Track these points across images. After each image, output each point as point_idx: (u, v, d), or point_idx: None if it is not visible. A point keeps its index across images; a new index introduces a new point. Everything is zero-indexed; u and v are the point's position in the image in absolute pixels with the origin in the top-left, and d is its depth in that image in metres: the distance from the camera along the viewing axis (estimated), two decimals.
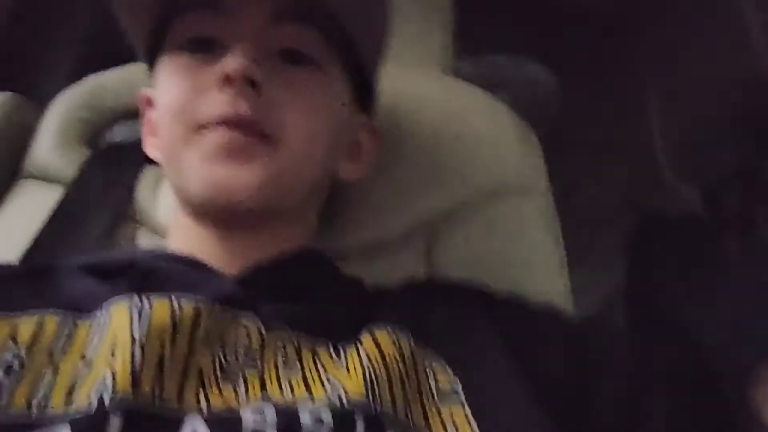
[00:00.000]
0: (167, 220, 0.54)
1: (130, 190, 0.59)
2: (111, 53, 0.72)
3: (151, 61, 0.48)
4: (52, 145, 0.63)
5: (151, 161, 0.61)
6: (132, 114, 0.65)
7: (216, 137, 0.42)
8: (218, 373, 0.35)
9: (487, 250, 0.56)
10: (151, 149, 0.51)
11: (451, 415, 0.37)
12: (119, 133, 0.66)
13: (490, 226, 0.57)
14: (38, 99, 0.67)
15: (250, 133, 0.42)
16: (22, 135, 0.65)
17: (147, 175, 0.60)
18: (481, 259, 0.56)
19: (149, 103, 0.51)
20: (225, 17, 0.44)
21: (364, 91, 0.52)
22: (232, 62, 0.41)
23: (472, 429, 0.36)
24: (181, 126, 0.43)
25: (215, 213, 0.44)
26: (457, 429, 0.36)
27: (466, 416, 0.36)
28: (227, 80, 0.41)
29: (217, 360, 0.36)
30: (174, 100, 0.44)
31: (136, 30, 0.48)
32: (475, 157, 0.59)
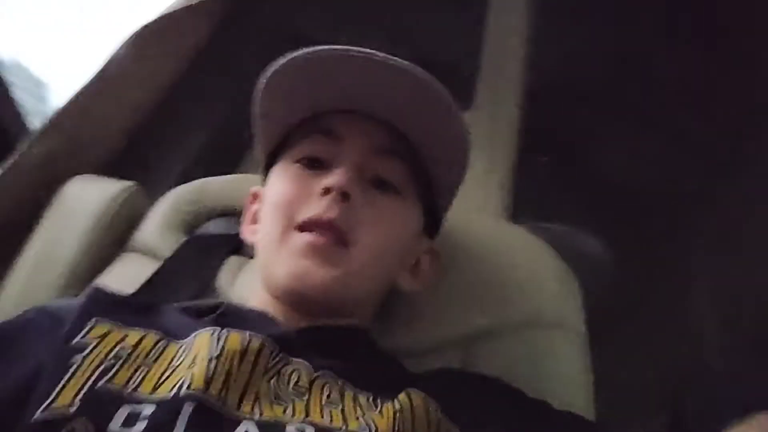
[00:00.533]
0: (241, 300, 0.62)
1: (214, 271, 0.68)
2: (217, 163, 0.86)
3: (268, 165, 0.60)
4: (158, 227, 0.75)
5: (234, 252, 0.72)
6: (226, 213, 0.77)
7: (307, 237, 0.51)
8: (271, 397, 0.43)
9: (517, 373, 0.59)
10: (248, 234, 0.62)
11: None
12: (213, 227, 0.77)
13: (522, 350, 0.62)
14: (155, 190, 0.79)
15: (332, 236, 0.51)
16: (134, 217, 0.77)
17: (229, 263, 0.70)
18: (510, 380, 0.61)
19: (255, 197, 0.62)
20: (335, 144, 0.55)
21: (432, 221, 0.61)
22: (335, 177, 0.52)
23: None
24: (282, 221, 0.53)
25: (292, 298, 0.52)
26: None
27: None
28: (328, 190, 0.52)
29: (271, 388, 0.44)
30: (282, 199, 0.55)
31: (265, 137, 0.59)
32: (516, 285, 0.65)
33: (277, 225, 0.54)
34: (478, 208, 0.82)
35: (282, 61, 0.52)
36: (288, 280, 0.51)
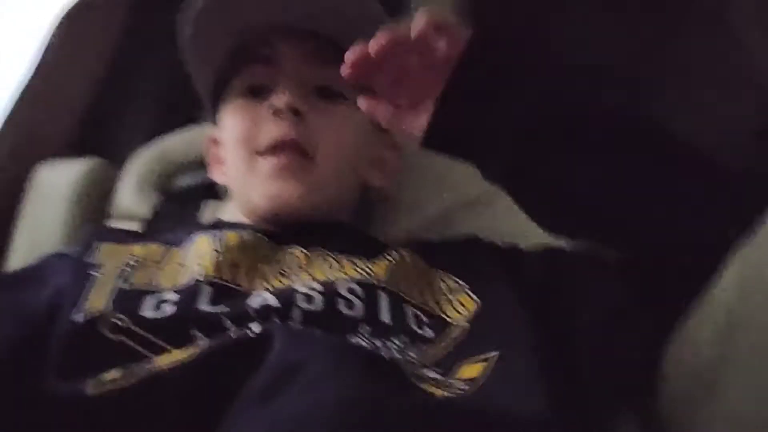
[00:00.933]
0: None
1: (194, 218, 0.72)
2: (175, 119, 0.88)
3: (215, 107, 0.62)
4: (131, 191, 0.78)
5: (209, 197, 0.75)
6: (194, 166, 0.80)
7: (270, 162, 0.54)
8: (276, 274, 0.48)
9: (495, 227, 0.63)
10: (217, 175, 0.64)
11: (458, 299, 0.48)
12: (184, 180, 0.80)
13: (494, 214, 0.65)
14: (120, 156, 0.82)
15: (295, 153, 0.54)
16: (106, 189, 0.80)
17: (206, 207, 0.74)
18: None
19: (214, 141, 0.64)
20: (272, 66, 0.57)
21: None
22: (280, 97, 0.54)
23: (474, 302, 0.47)
24: (244, 152, 0.56)
25: (274, 219, 0.56)
26: (462, 305, 0.47)
27: (469, 295, 0.48)
28: (277, 112, 0.54)
29: (275, 270, 0.49)
30: (237, 133, 0.57)
31: (203, 82, 0.62)
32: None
33: (241, 157, 0.56)
34: None
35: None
36: (265, 202, 0.55)
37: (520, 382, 0.39)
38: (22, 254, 0.75)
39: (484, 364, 0.40)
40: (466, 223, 0.67)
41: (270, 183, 0.54)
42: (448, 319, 0.47)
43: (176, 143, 0.82)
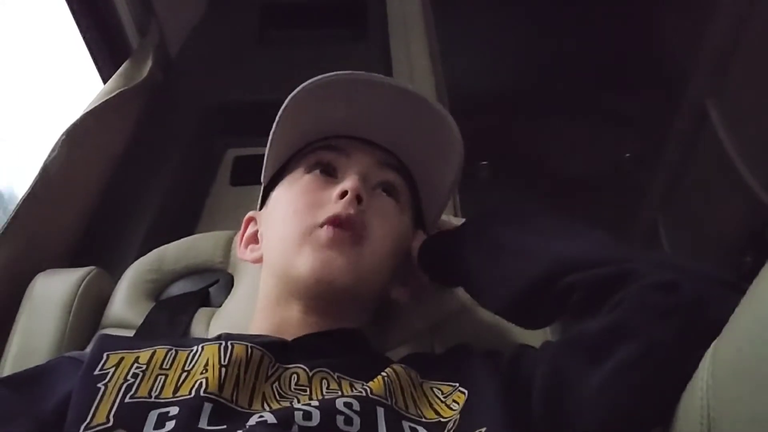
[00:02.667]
0: None
1: (186, 326, 0.73)
2: (171, 231, 0.91)
3: (268, 189, 0.68)
4: (125, 300, 0.79)
5: (201, 306, 0.77)
6: (187, 274, 0.82)
7: (327, 232, 0.59)
8: (277, 396, 0.50)
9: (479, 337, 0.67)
10: (246, 254, 0.69)
11: (452, 399, 0.51)
12: (177, 289, 0.81)
13: (480, 322, 0.70)
14: (118, 269, 0.84)
15: (350, 230, 0.59)
16: (101, 297, 0.81)
17: (199, 315, 0.75)
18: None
19: (252, 220, 0.70)
20: (343, 156, 0.65)
21: (419, 221, 0.70)
22: (349, 182, 0.60)
23: (464, 394, 0.50)
24: (300, 226, 0.60)
25: (317, 288, 0.59)
26: (455, 401, 0.50)
27: (461, 391, 0.51)
28: (343, 194, 0.60)
29: (275, 389, 0.51)
30: (301, 204, 0.62)
31: (272, 163, 0.68)
32: None
33: (297, 226, 0.60)
34: None
35: (298, 89, 0.62)
36: (313, 270, 0.58)
37: None
38: (14, 361, 0.75)
39: None
40: (453, 332, 0.70)
41: (322, 251, 0.58)
42: (443, 419, 0.50)
43: (173, 252, 0.84)
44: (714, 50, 1.40)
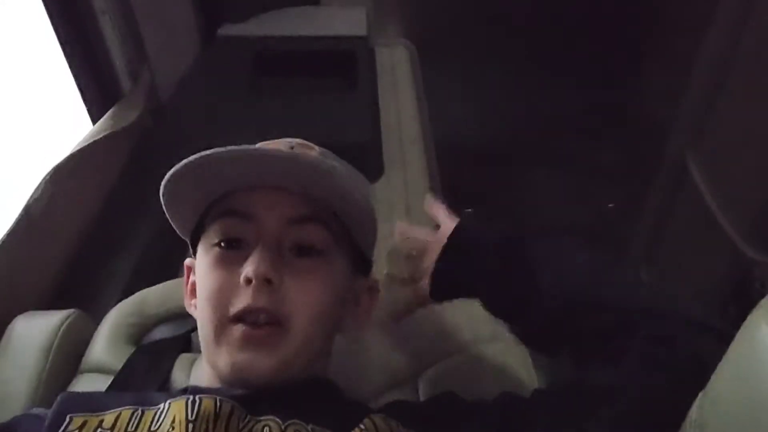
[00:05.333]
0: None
1: (167, 372, 0.72)
2: (154, 275, 0.90)
3: (193, 244, 0.63)
4: (105, 345, 0.78)
5: (183, 350, 0.76)
6: (169, 318, 0.81)
7: (239, 331, 0.54)
8: None
9: (468, 385, 0.66)
10: (192, 309, 0.64)
11: None
12: (158, 334, 0.80)
13: (469, 368, 0.70)
14: (100, 311, 0.83)
15: (266, 323, 0.54)
16: (80, 341, 0.80)
17: (180, 360, 0.74)
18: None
19: (189, 269, 0.65)
20: (248, 221, 0.57)
21: (360, 260, 0.65)
22: (253, 265, 0.54)
23: None
24: (215, 315, 0.55)
25: (241, 385, 0.55)
26: None
27: None
28: (249, 281, 0.54)
29: None
30: (210, 290, 0.56)
31: (181, 229, 0.63)
32: (449, 316, 0.74)
33: (211, 320, 0.56)
34: None
35: (178, 166, 0.55)
36: (232, 371, 0.54)
37: None
38: None
39: None
40: (438, 379, 0.69)
41: (237, 352, 0.54)
42: None
43: (156, 295, 0.83)
44: (692, 105, 1.44)
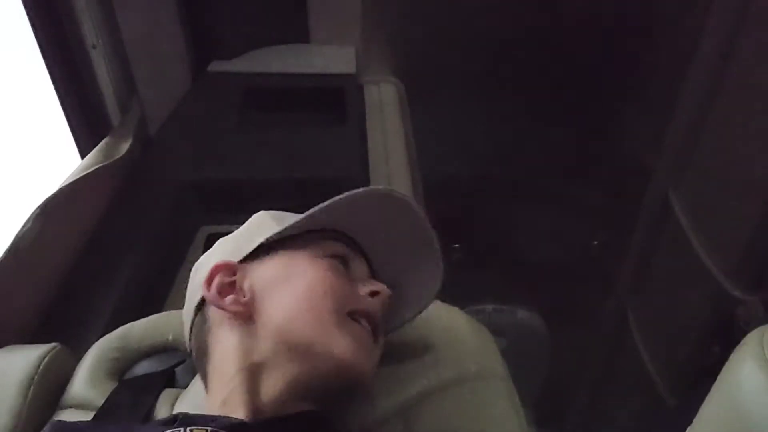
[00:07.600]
0: None
1: (150, 407, 0.70)
2: (138, 308, 0.89)
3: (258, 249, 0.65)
4: (86, 380, 0.76)
5: (166, 386, 0.74)
6: (153, 353, 0.80)
7: (366, 326, 0.61)
8: None
9: (456, 426, 0.67)
10: (226, 302, 0.61)
11: None
12: (141, 369, 0.79)
13: (456, 406, 0.68)
14: (83, 346, 0.81)
15: (377, 332, 0.63)
16: (61, 376, 0.78)
17: (164, 396, 0.73)
18: None
19: (230, 267, 0.63)
20: (353, 256, 0.66)
21: None
22: (383, 286, 0.64)
23: None
24: (336, 305, 0.60)
25: (346, 371, 0.59)
26: None
27: None
28: (379, 294, 0.63)
29: None
30: (331, 286, 0.61)
31: (287, 228, 0.65)
32: (438, 349, 0.73)
33: (334, 305, 0.61)
34: None
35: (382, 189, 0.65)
36: (353, 356, 0.58)
37: None
38: None
39: None
40: (427, 416, 0.68)
41: (361, 342, 0.60)
42: None
43: (140, 330, 0.82)
44: (675, 146, 1.47)
